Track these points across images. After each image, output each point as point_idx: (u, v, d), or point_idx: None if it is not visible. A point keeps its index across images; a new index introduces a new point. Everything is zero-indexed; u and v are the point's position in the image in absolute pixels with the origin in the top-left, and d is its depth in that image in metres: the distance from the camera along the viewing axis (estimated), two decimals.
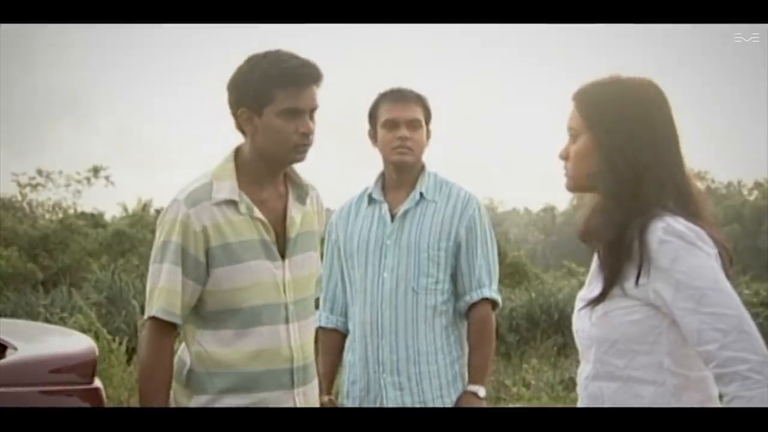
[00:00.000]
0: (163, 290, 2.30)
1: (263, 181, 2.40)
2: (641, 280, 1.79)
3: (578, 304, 1.95)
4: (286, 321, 2.39)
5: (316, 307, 2.62)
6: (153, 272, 2.33)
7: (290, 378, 2.38)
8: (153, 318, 2.31)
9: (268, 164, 2.38)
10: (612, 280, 1.84)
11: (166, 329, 2.31)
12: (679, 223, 1.79)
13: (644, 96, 1.90)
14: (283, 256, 2.40)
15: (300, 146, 2.34)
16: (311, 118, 2.35)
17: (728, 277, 1.80)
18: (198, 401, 2.34)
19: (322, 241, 2.75)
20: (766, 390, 1.66)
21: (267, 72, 2.29)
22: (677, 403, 1.80)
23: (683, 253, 1.76)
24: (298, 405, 2.39)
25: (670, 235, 1.77)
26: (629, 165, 1.85)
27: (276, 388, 2.36)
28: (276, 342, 2.36)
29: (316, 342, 2.56)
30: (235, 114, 2.36)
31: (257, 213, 2.36)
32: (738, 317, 1.71)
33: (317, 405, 2.51)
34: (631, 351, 1.83)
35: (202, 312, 2.35)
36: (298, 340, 2.40)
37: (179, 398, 2.37)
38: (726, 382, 1.70)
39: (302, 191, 2.47)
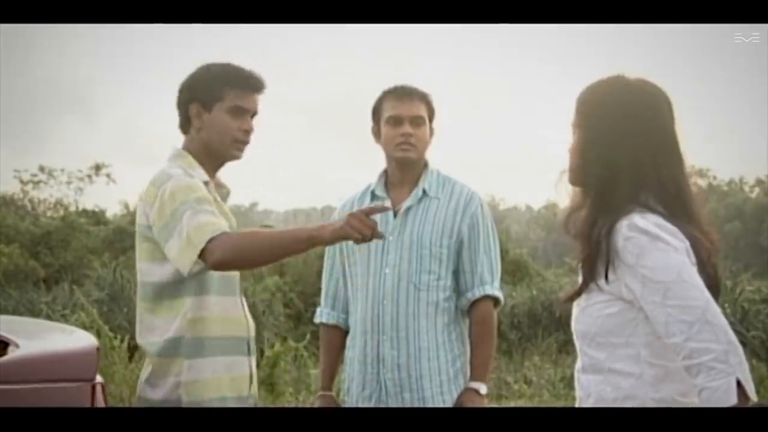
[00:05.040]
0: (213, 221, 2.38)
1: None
2: (610, 277, 1.83)
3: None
4: (240, 294, 2.64)
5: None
6: (192, 215, 2.38)
7: (247, 346, 2.60)
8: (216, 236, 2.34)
9: (210, 159, 2.60)
10: (587, 276, 1.88)
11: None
12: (646, 220, 1.81)
13: (636, 97, 1.91)
14: None
15: (240, 143, 2.59)
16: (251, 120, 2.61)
17: (703, 271, 1.81)
18: (190, 364, 2.46)
19: None
20: (730, 379, 1.68)
21: (221, 72, 2.58)
22: (656, 394, 1.83)
23: (648, 248, 1.79)
24: (253, 372, 2.61)
25: (634, 231, 1.80)
26: (605, 162, 1.88)
27: (241, 354, 2.58)
28: (239, 311, 2.60)
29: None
30: (185, 111, 2.59)
31: (218, 198, 2.60)
32: (702, 308, 1.74)
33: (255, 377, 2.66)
34: (610, 344, 1.87)
35: (199, 278, 2.47)
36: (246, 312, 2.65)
37: (171, 367, 2.46)
38: (694, 373, 1.73)
39: (223, 191, 2.69)
